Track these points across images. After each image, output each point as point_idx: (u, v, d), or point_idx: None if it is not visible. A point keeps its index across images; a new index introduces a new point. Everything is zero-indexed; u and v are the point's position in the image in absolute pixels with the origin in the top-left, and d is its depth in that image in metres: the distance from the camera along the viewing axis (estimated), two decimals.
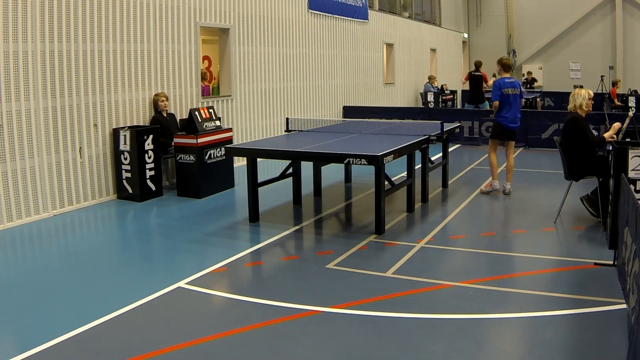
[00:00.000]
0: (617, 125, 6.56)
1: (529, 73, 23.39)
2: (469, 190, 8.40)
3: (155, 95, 8.59)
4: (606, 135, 6.54)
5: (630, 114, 6.78)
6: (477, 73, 14.86)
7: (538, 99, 19.02)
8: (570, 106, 6.74)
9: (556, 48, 26.48)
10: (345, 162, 6.16)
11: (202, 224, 6.85)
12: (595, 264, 5.24)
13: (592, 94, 6.74)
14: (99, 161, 7.91)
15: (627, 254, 4.20)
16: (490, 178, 8.29)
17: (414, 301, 4.57)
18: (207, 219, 7.10)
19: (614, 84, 17.91)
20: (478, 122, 13.03)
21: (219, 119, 9.07)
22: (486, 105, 14.92)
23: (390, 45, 18.18)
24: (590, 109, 6.70)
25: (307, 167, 8.00)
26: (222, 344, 3.92)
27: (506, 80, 7.97)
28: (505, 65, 8.14)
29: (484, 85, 14.84)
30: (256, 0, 11.23)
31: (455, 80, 24.33)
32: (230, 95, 10.63)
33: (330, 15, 14.17)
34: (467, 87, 15.95)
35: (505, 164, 8.33)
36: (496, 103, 7.93)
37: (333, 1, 14.25)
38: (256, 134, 11.41)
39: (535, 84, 22.17)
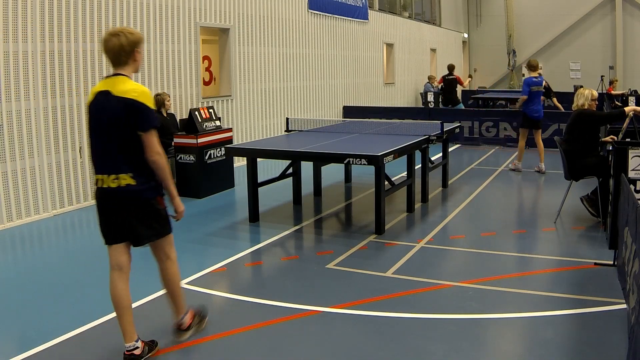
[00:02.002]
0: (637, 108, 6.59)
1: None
2: (469, 190, 8.40)
3: (159, 95, 8.57)
4: (627, 109, 6.55)
5: (631, 114, 6.76)
6: (450, 77, 15.62)
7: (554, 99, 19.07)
8: (573, 106, 6.81)
9: (556, 48, 26.49)
10: (345, 162, 6.16)
11: (202, 224, 6.85)
12: (595, 264, 5.24)
13: (596, 95, 6.75)
14: None
15: (627, 254, 4.20)
16: (517, 159, 9.86)
17: (414, 301, 4.57)
18: (207, 219, 7.10)
19: (610, 83, 17.94)
20: (478, 122, 13.04)
21: (219, 119, 9.07)
22: (461, 107, 15.46)
23: (390, 45, 18.18)
24: (594, 109, 6.72)
25: (307, 167, 8.00)
26: (222, 344, 3.92)
27: (533, 79, 9.56)
28: (531, 66, 9.72)
29: (461, 86, 16.13)
30: (256, 0, 11.23)
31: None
32: (230, 95, 10.63)
33: (330, 15, 14.18)
34: (467, 87, 16.24)
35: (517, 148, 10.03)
36: (525, 97, 9.50)
37: (333, 1, 14.26)
38: (256, 134, 11.41)
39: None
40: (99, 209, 3.62)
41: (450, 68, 15.84)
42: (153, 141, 3.47)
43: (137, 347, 3.61)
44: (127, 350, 3.58)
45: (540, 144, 9.72)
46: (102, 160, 3.53)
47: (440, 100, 17.53)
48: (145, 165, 3.51)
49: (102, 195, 3.56)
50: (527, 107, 9.56)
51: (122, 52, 3.51)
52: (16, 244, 6.31)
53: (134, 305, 4.48)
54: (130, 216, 3.55)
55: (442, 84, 15.91)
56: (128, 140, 3.46)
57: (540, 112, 9.64)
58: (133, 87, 3.47)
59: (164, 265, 3.84)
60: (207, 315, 4.15)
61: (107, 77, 3.58)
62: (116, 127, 3.44)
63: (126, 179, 3.48)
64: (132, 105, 3.41)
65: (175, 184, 8.79)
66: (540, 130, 9.79)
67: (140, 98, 3.44)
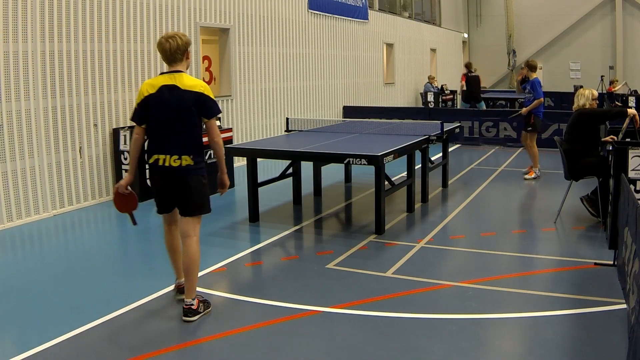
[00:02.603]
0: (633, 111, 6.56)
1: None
2: (469, 190, 8.40)
3: None
4: (629, 111, 6.52)
5: (630, 114, 6.75)
6: (473, 74, 15.36)
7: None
8: (574, 106, 6.79)
9: (556, 48, 26.49)
10: (345, 162, 6.16)
11: (202, 224, 6.80)
12: (595, 264, 5.24)
13: (596, 94, 6.75)
14: (99, 161, 7.91)
15: (627, 254, 4.20)
16: (534, 166, 9.20)
17: (414, 301, 4.57)
18: (207, 219, 7.01)
19: (611, 82, 17.98)
20: (478, 122, 13.03)
21: (219, 119, 9.06)
22: (482, 106, 15.41)
23: (390, 45, 18.18)
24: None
25: (307, 167, 8.00)
26: (222, 344, 3.92)
27: (538, 79, 9.18)
28: (533, 67, 9.32)
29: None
30: (256, 0, 11.23)
31: (455, 80, 24.34)
32: (230, 95, 10.63)
33: (330, 15, 14.17)
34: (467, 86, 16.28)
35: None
36: (542, 100, 9.02)
37: (333, 1, 14.26)
38: (256, 134, 11.40)
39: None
40: (157, 182, 4.34)
41: (469, 66, 15.81)
42: (215, 126, 4.29)
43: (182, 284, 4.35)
44: (177, 284, 4.49)
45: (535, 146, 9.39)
46: (166, 143, 4.21)
47: (440, 98, 17.41)
48: (201, 149, 4.31)
49: (163, 172, 4.26)
50: (538, 110, 9.14)
51: (177, 51, 4.18)
52: (16, 244, 6.31)
53: (136, 304, 4.50)
54: (185, 190, 4.25)
55: (464, 81, 15.89)
56: (193, 127, 4.21)
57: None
58: (197, 82, 4.23)
59: (191, 241, 4.31)
60: (210, 304, 4.46)
61: (166, 73, 4.23)
62: (185, 116, 4.16)
63: (187, 160, 4.22)
64: (200, 98, 4.16)
65: None
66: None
67: (206, 91, 4.20)
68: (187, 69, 4.28)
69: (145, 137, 4.34)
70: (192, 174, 4.26)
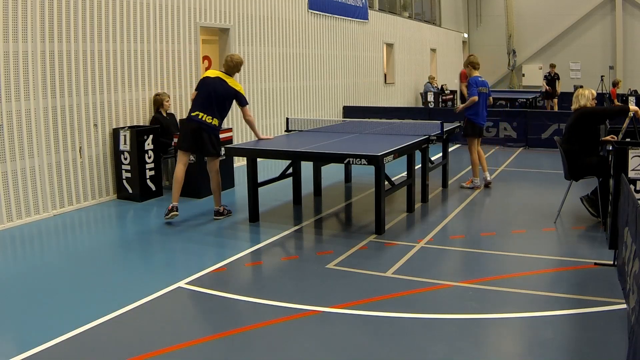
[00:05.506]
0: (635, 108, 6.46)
1: (552, 66, 19.49)
2: (468, 190, 8.40)
3: (158, 95, 8.58)
4: (631, 107, 6.43)
5: (631, 114, 6.75)
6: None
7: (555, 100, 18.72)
8: (574, 106, 6.74)
9: (556, 48, 26.47)
10: (345, 162, 6.16)
11: (202, 224, 6.85)
12: (595, 264, 5.24)
13: (595, 94, 6.71)
14: (99, 161, 7.91)
15: (627, 254, 4.20)
16: (472, 175, 8.63)
17: (414, 301, 4.57)
18: (207, 219, 7.09)
19: (615, 84, 17.83)
20: None
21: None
22: None
23: (390, 45, 18.18)
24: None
25: (307, 167, 8.00)
26: (222, 344, 3.92)
27: (479, 78, 8.46)
28: (475, 64, 8.57)
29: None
30: (256, 0, 11.22)
31: (455, 80, 24.32)
32: None
33: (330, 15, 14.17)
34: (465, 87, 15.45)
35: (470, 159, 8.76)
36: (475, 98, 8.31)
37: (333, 1, 14.25)
38: None
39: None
40: (188, 128, 6.85)
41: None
42: (247, 109, 7.01)
43: (175, 208, 6.67)
44: (170, 206, 6.68)
45: (482, 152, 8.67)
46: (206, 107, 6.75)
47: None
48: (222, 119, 6.93)
49: (196, 123, 6.74)
50: (473, 113, 8.39)
51: (235, 70, 6.93)
52: (16, 244, 6.31)
53: (136, 304, 4.50)
54: (204, 138, 6.76)
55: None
56: (223, 106, 6.89)
57: (485, 118, 8.59)
58: (237, 84, 6.95)
59: (214, 174, 6.92)
60: (231, 212, 7.12)
61: (224, 72, 6.91)
62: (222, 99, 6.82)
63: (213, 120, 6.77)
64: (237, 94, 6.90)
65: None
66: (480, 139, 8.67)
67: (241, 91, 6.93)
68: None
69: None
70: (212, 129, 6.76)
